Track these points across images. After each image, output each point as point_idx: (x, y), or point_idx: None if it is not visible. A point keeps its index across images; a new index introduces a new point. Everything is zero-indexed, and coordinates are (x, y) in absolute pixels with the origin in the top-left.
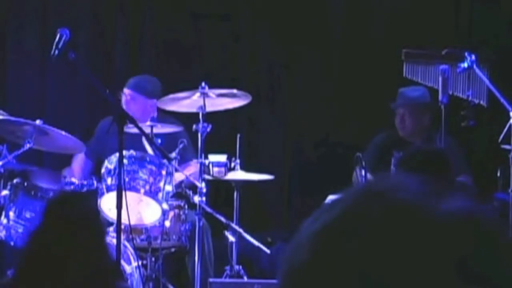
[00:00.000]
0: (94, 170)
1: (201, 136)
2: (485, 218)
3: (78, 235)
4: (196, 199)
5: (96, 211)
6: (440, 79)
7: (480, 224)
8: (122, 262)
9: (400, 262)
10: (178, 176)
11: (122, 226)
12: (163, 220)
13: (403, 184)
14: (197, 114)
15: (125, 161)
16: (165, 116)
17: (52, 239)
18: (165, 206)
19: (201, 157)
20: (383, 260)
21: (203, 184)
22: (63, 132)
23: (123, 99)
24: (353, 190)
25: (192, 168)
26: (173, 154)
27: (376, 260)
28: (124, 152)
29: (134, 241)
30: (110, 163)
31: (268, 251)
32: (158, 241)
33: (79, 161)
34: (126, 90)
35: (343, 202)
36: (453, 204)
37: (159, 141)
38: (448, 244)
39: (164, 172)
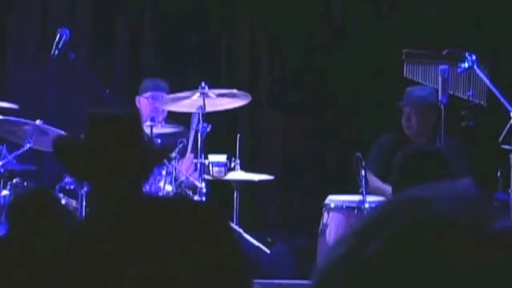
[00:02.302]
0: None
1: (201, 136)
2: None
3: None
4: (196, 199)
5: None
6: (440, 79)
7: None
8: None
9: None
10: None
11: None
12: None
13: (450, 196)
14: (197, 114)
15: None
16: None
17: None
18: None
19: (201, 157)
20: (398, 269)
21: (203, 184)
22: (63, 132)
23: (148, 102)
24: (399, 196)
25: (188, 162)
26: (173, 154)
27: (389, 269)
28: None
29: None
30: None
31: (268, 251)
32: None
33: None
34: (153, 93)
35: (380, 208)
36: (506, 223)
37: (159, 141)
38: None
39: (164, 172)
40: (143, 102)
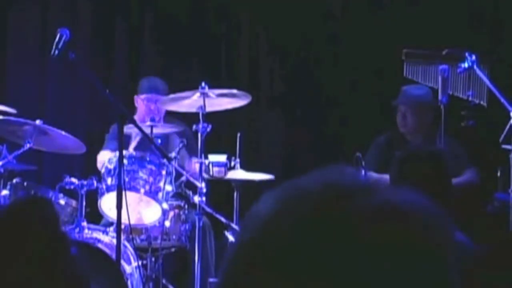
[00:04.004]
0: None
1: (201, 136)
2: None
3: (28, 243)
4: (196, 199)
5: (49, 219)
6: (440, 79)
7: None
8: (122, 262)
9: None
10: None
11: (122, 226)
12: (163, 220)
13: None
14: (197, 114)
15: (125, 161)
16: (168, 116)
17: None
18: (165, 206)
19: (201, 157)
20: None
21: (203, 184)
22: (63, 132)
23: (143, 103)
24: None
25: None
26: (173, 154)
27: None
28: (124, 152)
29: (134, 241)
30: (110, 163)
31: None
32: (158, 241)
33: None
34: (148, 95)
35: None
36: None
37: (159, 141)
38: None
39: (164, 172)
40: (139, 103)
